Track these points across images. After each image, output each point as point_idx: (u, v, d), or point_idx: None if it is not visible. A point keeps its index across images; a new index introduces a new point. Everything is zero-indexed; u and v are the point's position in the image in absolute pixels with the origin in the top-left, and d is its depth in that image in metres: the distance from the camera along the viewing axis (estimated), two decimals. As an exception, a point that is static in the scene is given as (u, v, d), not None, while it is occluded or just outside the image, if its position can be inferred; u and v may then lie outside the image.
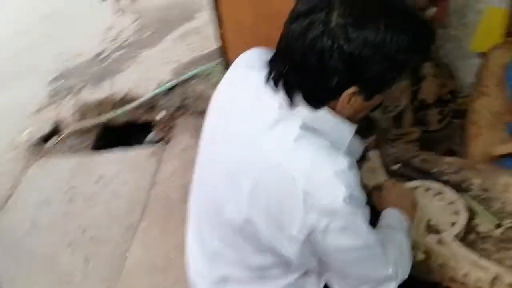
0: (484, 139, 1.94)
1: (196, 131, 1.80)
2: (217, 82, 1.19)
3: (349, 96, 0.93)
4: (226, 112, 1.10)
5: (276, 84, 0.99)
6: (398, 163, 1.62)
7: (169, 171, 2.57)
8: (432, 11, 2.06)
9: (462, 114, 2.13)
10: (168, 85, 3.00)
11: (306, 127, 0.95)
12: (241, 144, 1.02)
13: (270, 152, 0.96)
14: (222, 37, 2.00)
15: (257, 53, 1.13)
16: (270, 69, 1.01)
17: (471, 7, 2.06)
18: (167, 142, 2.78)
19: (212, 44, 2.51)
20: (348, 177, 0.91)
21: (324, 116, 0.97)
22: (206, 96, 2.76)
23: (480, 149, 1.93)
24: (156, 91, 2.98)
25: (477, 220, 1.40)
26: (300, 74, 0.93)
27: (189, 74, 3.04)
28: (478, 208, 1.43)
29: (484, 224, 1.39)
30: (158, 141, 2.87)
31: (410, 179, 1.53)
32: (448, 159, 1.64)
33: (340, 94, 0.93)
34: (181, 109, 2.93)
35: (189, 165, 1.33)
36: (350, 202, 0.91)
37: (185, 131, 2.77)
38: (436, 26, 2.15)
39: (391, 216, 1.23)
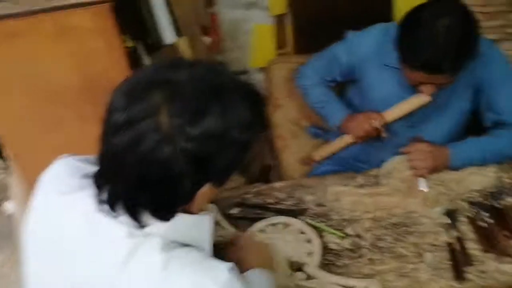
0: (293, 149, 2.05)
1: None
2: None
3: (203, 194, 0.81)
4: (56, 257, 0.85)
5: (113, 208, 0.80)
6: (234, 205, 1.57)
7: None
8: (207, 41, 2.07)
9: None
10: None
11: (168, 246, 0.80)
12: None
13: None
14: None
15: (65, 168, 0.90)
16: (99, 191, 0.81)
17: (241, 28, 2.14)
18: None
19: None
20: (233, 284, 0.80)
21: (182, 223, 0.83)
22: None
23: (292, 159, 2.04)
24: None
25: (325, 239, 1.45)
26: (143, 191, 0.77)
27: None
28: (321, 226, 1.48)
29: (332, 240, 1.45)
30: None
31: (252, 219, 1.50)
32: (277, 184, 1.67)
33: (194, 195, 0.81)
34: None
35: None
36: None
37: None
38: (214, 54, 2.17)
39: (256, 280, 1.14)
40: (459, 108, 1.64)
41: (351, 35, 1.71)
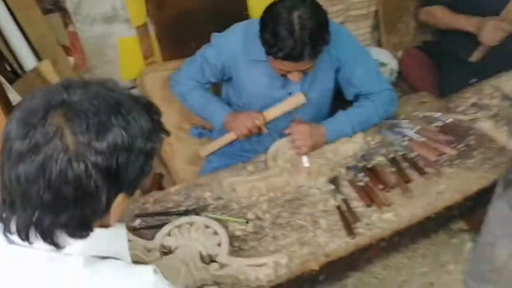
0: (180, 153, 2.09)
1: None
2: None
3: (118, 205, 0.83)
4: None
5: (26, 237, 0.78)
6: (135, 217, 1.58)
7: None
8: (71, 61, 2.01)
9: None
10: None
11: (90, 262, 0.81)
12: None
13: None
14: None
15: None
16: (5, 224, 0.79)
17: (105, 43, 2.11)
18: None
19: None
20: (160, 283, 0.84)
21: (100, 238, 0.84)
22: None
23: (181, 163, 2.08)
24: None
25: (230, 228, 1.53)
26: (59, 212, 0.76)
27: None
28: (223, 217, 1.56)
29: (237, 227, 1.53)
30: None
31: (156, 226, 1.52)
32: (173, 189, 1.70)
33: (110, 208, 0.82)
34: None
35: None
36: None
37: None
38: (82, 72, 2.12)
39: None
40: (324, 88, 1.83)
41: (216, 37, 1.80)
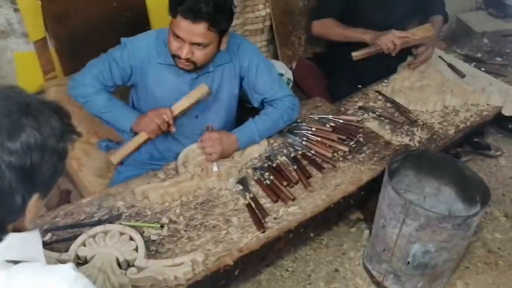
0: (89, 167, 2.07)
1: None
2: None
3: (33, 205, 0.85)
4: None
5: None
6: (45, 232, 1.55)
7: None
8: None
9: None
10: None
11: (6, 265, 0.81)
12: None
13: None
14: None
15: None
16: None
17: (1, 59, 2.03)
18: None
19: None
20: (80, 279, 0.87)
21: (14, 241, 0.84)
22: None
23: (90, 177, 2.06)
24: None
25: (145, 234, 1.56)
26: None
27: None
28: (137, 224, 1.59)
29: (152, 232, 1.57)
30: None
31: (68, 239, 1.51)
32: (85, 200, 1.69)
33: (25, 209, 0.84)
34: None
35: None
36: None
37: None
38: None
39: None
40: (230, 95, 1.93)
41: (127, 40, 1.82)
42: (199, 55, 1.68)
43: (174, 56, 1.71)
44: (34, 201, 0.85)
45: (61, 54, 2.17)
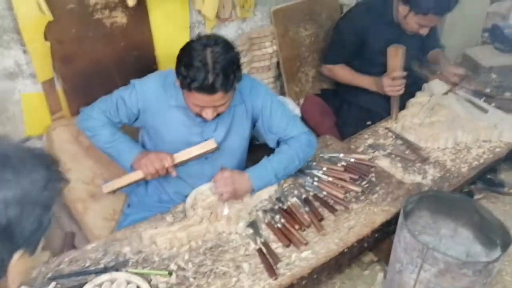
0: (94, 209, 2.03)
1: None
2: None
3: (16, 264, 0.80)
4: None
5: None
6: (49, 281, 1.49)
7: None
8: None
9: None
10: None
11: None
12: None
13: None
14: None
15: None
16: None
17: (8, 100, 2.02)
18: None
19: None
20: None
21: None
22: None
23: (96, 220, 2.02)
24: None
25: (153, 281, 1.51)
26: None
27: None
28: (145, 271, 1.54)
29: (160, 280, 1.52)
30: None
31: None
32: (89, 246, 1.65)
33: (5, 269, 0.79)
34: None
35: None
36: None
37: None
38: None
39: None
40: (241, 137, 1.91)
41: (136, 82, 1.81)
42: (222, 109, 1.69)
43: (197, 115, 1.71)
44: (16, 260, 0.80)
45: (68, 94, 2.16)
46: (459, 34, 2.43)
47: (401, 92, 2.41)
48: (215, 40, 1.61)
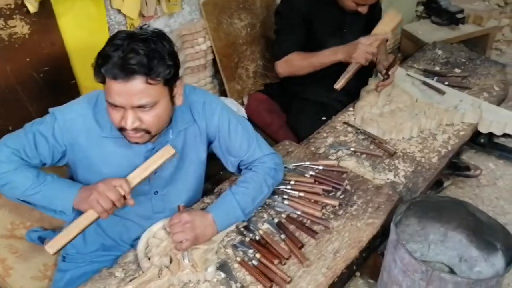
0: (19, 268, 1.63)
1: None
2: None
3: None
4: None
5: None
6: None
7: None
8: None
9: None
10: None
11: None
12: None
13: None
14: None
15: None
16: None
17: None
18: None
19: None
20: None
21: None
22: None
23: (23, 281, 1.63)
24: None
25: None
26: None
27: None
28: None
29: None
30: None
31: None
32: None
33: None
34: None
35: None
36: None
37: None
38: None
39: None
40: (196, 162, 1.58)
41: (57, 111, 1.41)
42: (148, 119, 1.30)
43: (121, 130, 1.33)
44: None
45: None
46: (395, 10, 2.26)
47: (367, 62, 2.09)
48: (144, 30, 1.29)
